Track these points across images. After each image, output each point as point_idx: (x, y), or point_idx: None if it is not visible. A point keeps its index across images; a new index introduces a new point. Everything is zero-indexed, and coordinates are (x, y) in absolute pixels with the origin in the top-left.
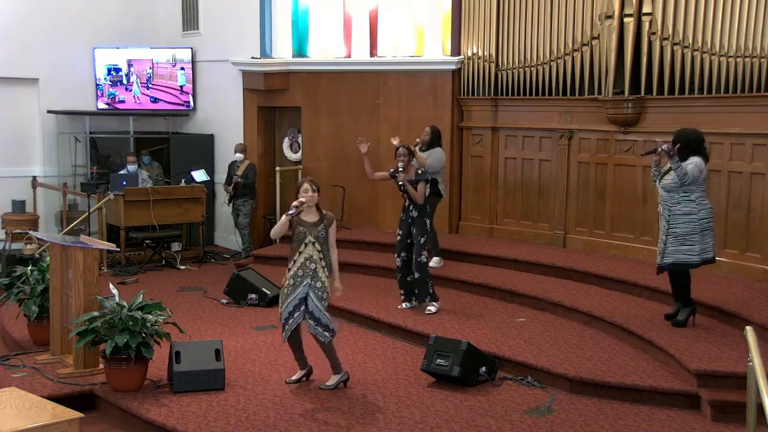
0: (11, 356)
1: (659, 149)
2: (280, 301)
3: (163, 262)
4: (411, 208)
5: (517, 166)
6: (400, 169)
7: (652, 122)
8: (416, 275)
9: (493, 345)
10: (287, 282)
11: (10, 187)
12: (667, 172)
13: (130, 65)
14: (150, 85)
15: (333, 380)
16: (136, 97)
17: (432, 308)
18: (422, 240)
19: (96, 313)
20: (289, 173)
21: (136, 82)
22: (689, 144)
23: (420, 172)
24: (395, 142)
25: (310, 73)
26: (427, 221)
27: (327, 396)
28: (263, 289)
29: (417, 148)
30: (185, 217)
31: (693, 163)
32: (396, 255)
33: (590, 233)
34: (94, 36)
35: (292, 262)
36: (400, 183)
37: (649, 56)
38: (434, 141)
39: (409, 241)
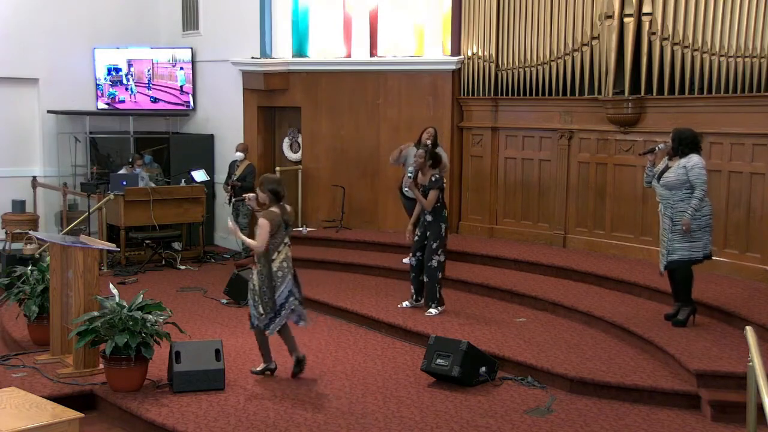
0: (11, 356)
1: (656, 148)
2: None
3: (163, 262)
4: (425, 211)
5: (517, 166)
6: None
7: (652, 122)
8: (425, 279)
9: (493, 345)
10: None
11: (10, 187)
12: (663, 172)
13: (130, 65)
14: (150, 85)
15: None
16: (134, 96)
17: (433, 311)
18: (434, 245)
19: (96, 313)
20: (289, 173)
21: (133, 81)
22: (687, 141)
23: (434, 179)
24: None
25: (310, 73)
26: (443, 226)
27: (327, 396)
28: None
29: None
30: (185, 217)
31: (695, 169)
32: (411, 254)
33: (590, 233)
34: (94, 36)
35: None
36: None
37: (649, 56)
38: (437, 141)
39: (425, 242)
